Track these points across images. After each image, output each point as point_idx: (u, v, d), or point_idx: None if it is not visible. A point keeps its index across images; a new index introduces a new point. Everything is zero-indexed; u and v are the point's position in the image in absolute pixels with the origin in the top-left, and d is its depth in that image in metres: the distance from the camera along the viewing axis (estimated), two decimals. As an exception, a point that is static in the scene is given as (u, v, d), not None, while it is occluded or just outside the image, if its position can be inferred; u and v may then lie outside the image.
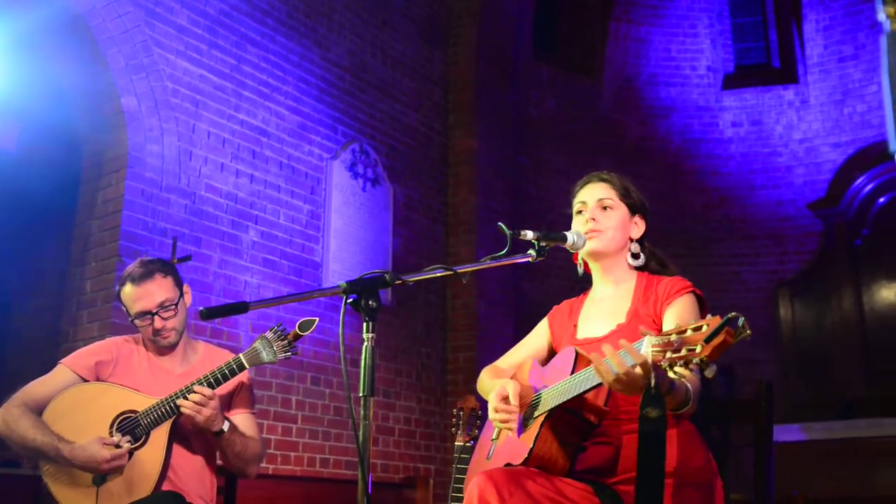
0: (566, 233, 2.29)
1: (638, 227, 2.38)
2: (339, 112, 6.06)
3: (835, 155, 8.47)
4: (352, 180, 6.02)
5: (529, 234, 2.17)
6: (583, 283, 2.47)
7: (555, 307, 2.52)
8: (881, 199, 8.03)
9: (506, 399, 2.17)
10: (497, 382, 2.27)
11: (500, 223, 2.21)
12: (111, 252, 4.60)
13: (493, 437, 2.33)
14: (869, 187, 8.05)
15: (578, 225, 2.36)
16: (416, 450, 6.18)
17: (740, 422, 2.36)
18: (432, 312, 6.56)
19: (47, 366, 2.86)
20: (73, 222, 4.93)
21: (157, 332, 2.78)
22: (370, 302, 1.89)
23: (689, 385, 1.94)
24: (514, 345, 2.60)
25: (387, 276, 1.95)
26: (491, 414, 2.22)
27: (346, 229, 5.90)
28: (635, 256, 2.36)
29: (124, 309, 2.85)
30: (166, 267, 2.85)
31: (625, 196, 2.38)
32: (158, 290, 2.77)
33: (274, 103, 5.58)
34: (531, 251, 2.18)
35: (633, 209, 2.38)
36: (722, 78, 9.00)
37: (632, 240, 2.37)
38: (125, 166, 4.69)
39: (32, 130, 5.54)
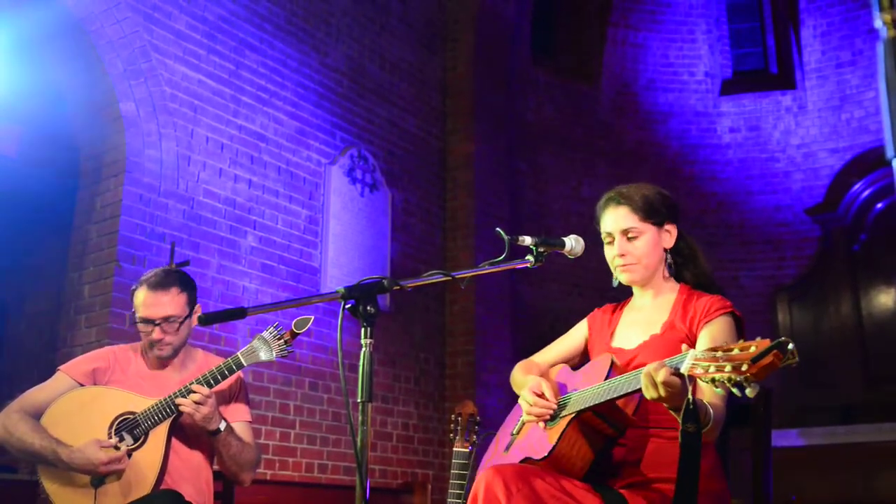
0: (564, 238, 2.29)
1: (671, 235, 2.34)
2: (338, 117, 6.06)
3: (832, 160, 8.48)
4: (350, 185, 6.03)
5: (528, 240, 2.17)
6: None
7: (597, 309, 2.52)
8: (879, 205, 8.04)
9: (541, 395, 2.19)
10: (530, 378, 2.28)
11: (498, 228, 2.21)
12: (109, 257, 4.59)
13: (514, 431, 2.34)
14: (867, 193, 8.06)
15: (609, 257, 2.35)
16: (414, 455, 6.17)
17: (739, 426, 2.36)
18: (431, 318, 6.56)
19: (44, 370, 2.87)
20: (72, 227, 4.92)
21: (154, 342, 2.81)
22: (368, 307, 1.89)
23: (709, 408, 1.94)
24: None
25: (385, 282, 1.95)
26: (525, 408, 2.22)
27: (345, 234, 5.90)
28: (670, 267, 2.34)
29: (132, 309, 2.87)
30: (186, 284, 2.88)
31: (648, 215, 2.31)
32: (169, 303, 2.80)
33: (272, 108, 5.58)
34: (529, 256, 2.19)
35: (661, 223, 2.32)
36: (720, 83, 9.02)
37: (666, 250, 2.34)
38: (123, 171, 4.68)
39: (31, 135, 5.54)
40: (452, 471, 3.41)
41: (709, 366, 1.70)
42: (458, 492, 3.32)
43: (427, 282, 2.10)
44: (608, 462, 2.12)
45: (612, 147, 8.65)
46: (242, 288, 5.18)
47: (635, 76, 8.94)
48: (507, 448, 2.32)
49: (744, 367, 1.64)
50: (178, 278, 2.86)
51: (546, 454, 2.07)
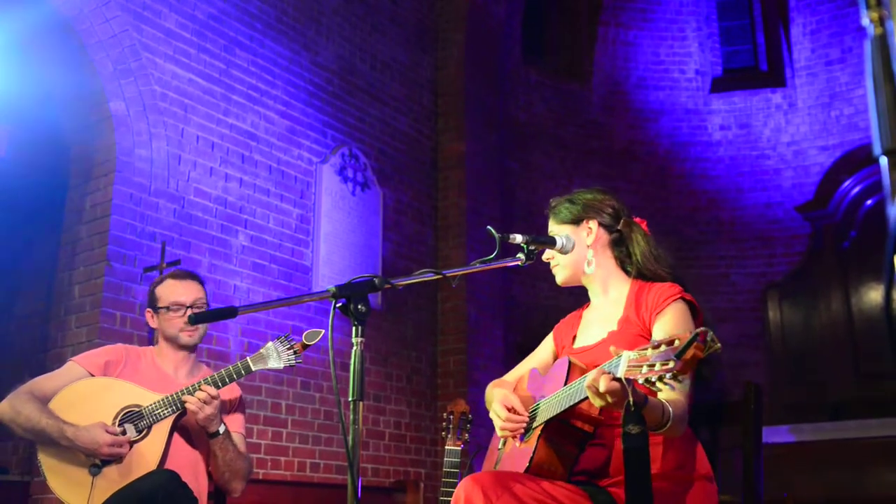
0: (555, 236, 2.30)
1: (590, 233, 2.35)
2: (329, 116, 6.06)
3: (822, 158, 8.51)
4: (341, 184, 6.02)
5: (518, 238, 2.18)
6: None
7: (561, 320, 2.54)
8: (868, 202, 8.06)
9: (513, 410, 2.20)
10: (498, 391, 2.29)
11: (489, 227, 2.22)
12: (99, 257, 4.58)
13: (500, 445, 2.37)
14: (856, 190, 8.09)
15: None
16: (406, 454, 6.17)
17: (729, 424, 2.37)
18: (422, 316, 6.56)
19: (34, 371, 2.89)
20: (62, 227, 4.90)
21: (183, 328, 2.91)
22: (359, 306, 1.89)
23: (667, 405, 1.95)
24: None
25: (376, 281, 1.94)
26: (498, 424, 2.23)
27: (336, 233, 5.90)
28: (588, 264, 2.34)
29: (154, 303, 2.96)
30: (203, 281, 3.09)
31: (562, 218, 2.37)
32: (198, 290, 2.99)
33: (263, 107, 5.57)
34: (520, 255, 2.19)
35: (576, 222, 2.35)
36: (710, 81, 9.04)
37: (589, 247, 2.34)
38: (113, 170, 4.67)
39: (20, 135, 5.51)
40: (444, 469, 3.42)
41: (642, 366, 1.73)
42: (450, 490, 3.32)
43: (418, 280, 2.10)
44: (593, 462, 2.13)
45: (603, 145, 8.67)
46: (234, 287, 5.17)
47: (626, 74, 8.95)
48: (496, 464, 2.34)
49: (671, 365, 1.68)
50: (196, 275, 3.08)
51: (525, 468, 2.08)
